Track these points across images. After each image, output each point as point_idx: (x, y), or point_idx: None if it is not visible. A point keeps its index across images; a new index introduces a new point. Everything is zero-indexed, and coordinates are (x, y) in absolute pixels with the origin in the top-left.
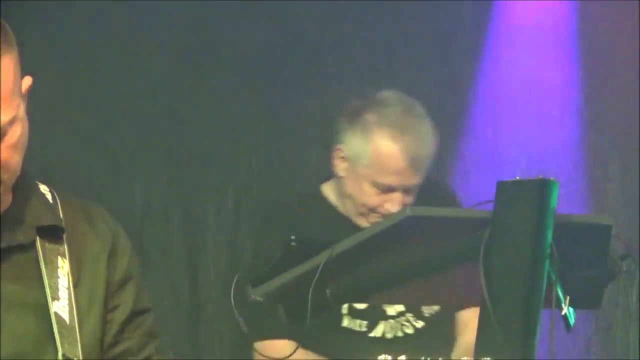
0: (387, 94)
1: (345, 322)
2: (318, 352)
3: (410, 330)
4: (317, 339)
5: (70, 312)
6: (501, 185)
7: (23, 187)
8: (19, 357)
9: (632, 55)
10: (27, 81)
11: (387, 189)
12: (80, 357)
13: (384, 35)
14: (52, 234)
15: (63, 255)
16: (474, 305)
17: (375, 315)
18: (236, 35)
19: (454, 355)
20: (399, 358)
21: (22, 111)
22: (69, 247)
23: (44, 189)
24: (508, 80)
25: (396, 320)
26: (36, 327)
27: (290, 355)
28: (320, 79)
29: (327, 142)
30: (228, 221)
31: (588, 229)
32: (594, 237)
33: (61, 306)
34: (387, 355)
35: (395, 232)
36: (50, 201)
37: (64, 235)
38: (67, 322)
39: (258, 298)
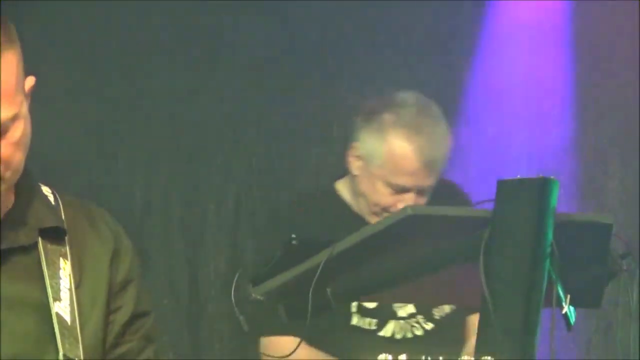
0: (404, 95)
1: (355, 320)
2: (326, 349)
3: (419, 332)
4: (326, 337)
5: (72, 312)
6: (501, 184)
7: (25, 189)
8: (20, 358)
9: (632, 54)
10: (30, 81)
11: (401, 190)
12: (82, 358)
13: (384, 34)
14: (54, 235)
15: (65, 257)
16: (474, 304)
17: (385, 315)
18: (236, 35)
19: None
20: (399, 357)
21: (25, 109)
22: (70, 248)
23: (46, 190)
24: (507, 80)
25: (406, 322)
26: (37, 327)
27: (293, 352)
28: (320, 78)
29: (327, 142)
30: (228, 221)
31: (588, 228)
32: (594, 236)
33: (62, 307)
34: (387, 355)
35: (396, 230)
36: (52, 203)
37: (66, 237)
38: (69, 322)
39: (259, 297)
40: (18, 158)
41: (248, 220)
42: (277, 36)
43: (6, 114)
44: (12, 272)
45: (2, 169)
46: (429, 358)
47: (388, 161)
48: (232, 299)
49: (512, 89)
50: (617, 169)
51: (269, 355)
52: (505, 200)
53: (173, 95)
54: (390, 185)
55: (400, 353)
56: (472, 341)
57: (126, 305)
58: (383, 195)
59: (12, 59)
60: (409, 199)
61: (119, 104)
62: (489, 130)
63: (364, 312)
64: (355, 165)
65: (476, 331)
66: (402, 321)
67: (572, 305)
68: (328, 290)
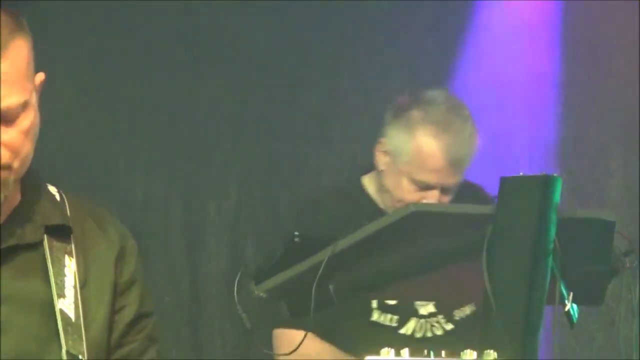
0: (434, 92)
1: (375, 316)
2: (344, 344)
3: (439, 332)
4: (345, 332)
5: (76, 310)
6: (504, 181)
7: (32, 186)
8: (24, 354)
9: (633, 50)
10: (40, 77)
11: (425, 187)
12: (85, 355)
13: (384, 32)
14: (60, 233)
15: (70, 254)
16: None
17: (406, 312)
18: (237, 34)
19: None
20: (401, 351)
21: (34, 99)
22: (76, 246)
23: (52, 189)
24: (508, 78)
25: (426, 320)
26: (41, 324)
27: (298, 346)
28: (321, 78)
29: (328, 141)
30: (229, 219)
31: (591, 225)
32: (597, 233)
33: (67, 304)
34: (389, 348)
35: (400, 227)
36: (58, 201)
37: (72, 235)
38: (73, 319)
39: (261, 294)
40: (27, 148)
41: (249, 218)
42: (278, 35)
43: (17, 99)
44: (17, 269)
45: (11, 157)
46: (432, 354)
47: (414, 158)
48: (235, 296)
49: (514, 85)
50: (619, 166)
51: (280, 348)
52: (507, 197)
53: (173, 95)
54: (415, 182)
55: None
56: None
57: (130, 306)
58: (407, 192)
59: (23, 46)
60: (433, 197)
61: (119, 103)
62: (489, 129)
63: (385, 309)
64: (381, 161)
65: None
66: (422, 320)
67: (575, 303)
68: (331, 287)
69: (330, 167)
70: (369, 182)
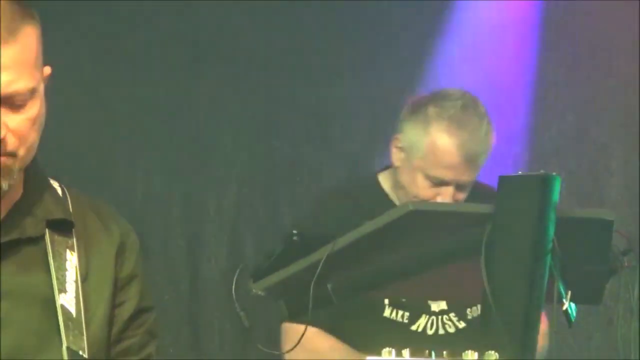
0: (451, 90)
1: (387, 312)
2: (355, 340)
3: (452, 330)
4: (356, 327)
5: (77, 304)
6: (503, 180)
7: (34, 180)
8: (24, 349)
9: (633, 50)
10: (47, 70)
11: (439, 183)
12: (86, 350)
13: (383, 30)
14: (62, 227)
15: (72, 249)
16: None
17: (418, 308)
18: (236, 30)
19: None
20: (402, 351)
21: (41, 88)
22: (77, 240)
23: (54, 183)
24: (506, 77)
25: (438, 317)
26: (42, 319)
27: (298, 342)
28: (321, 75)
29: (327, 138)
30: (229, 217)
31: (590, 224)
32: (595, 232)
33: (68, 299)
34: (391, 349)
35: (398, 226)
36: (60, 195)
37: (73, 229)
38: (74, 315)
39: (259, 292)
40: (33, 137)
41: (248, 218)
42: (277, 34)
43: (26, 84)
44: (18, 263)
45: (17, 144)
46: (433, 354)
47: (429, 153)
48: (233, 295)
49: (514, 83)
50: (619, 166)
51: (287, 343)
52: (506, 196)
53: (173, 94)
54: (429, 177)
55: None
56: None
57: (130, 301)
58: (422, 188)
59: (33, 34)
60: (447, 193)
61: (119, 102)
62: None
63: (397, 305)
64: (397, 157)
65: None
66: (433, 317)
67: (573, 302)
68: (329, 285)
69: (330, 167)
70: (384, 179)
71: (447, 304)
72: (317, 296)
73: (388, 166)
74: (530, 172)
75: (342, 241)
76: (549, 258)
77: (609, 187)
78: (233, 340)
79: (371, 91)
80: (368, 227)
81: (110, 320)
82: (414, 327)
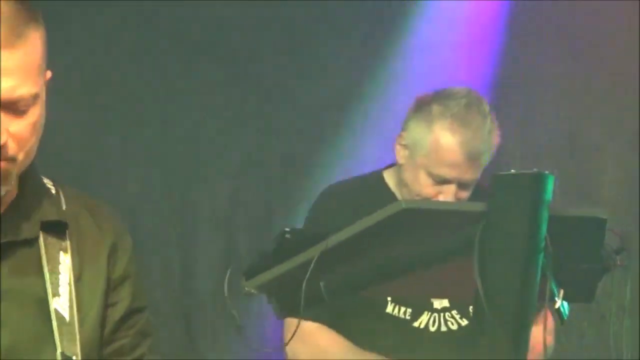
0: (456, 88)
1: (389, 309)
2: (358, 336)
3: (454, 327)
4: (358, 323)
5: (71, 308)
6: (496, 179)
7: (28, 180)
8: (17, 352)
9: (627, 48)
10: (49, 74)
11: (442, 181)
12: (79, 355)
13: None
14: (56, 228)
15: (65, 251)
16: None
17: (420, 305)
18: (231, 29)
19: None
20: None
21: (44, 94)
22: (71, 242)
23: (48, 182)
24: (503, 74)
25: (440, 315)
26: (36, 322)
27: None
28: (315, 71)
29: (320, 136)
30: (222, 214)
31: (583, 223)
32: (588, 230)
33: (61, 302)
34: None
35: (390, 224)
36: (54, 195)
37: (67, 231)
38: (67, 319)
39: (252, 290)
40: (33, 142)
41: (242, 215)
42: (272, 30)
43: (29, 90)
44: (12, 265)
45: (17, 149)
46: None
47: (432, 151)
48: (225, 292)
49: (509, 81)
50: (612, 164)
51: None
52: (499, 194)
53: (166, 90)
54: (432, 175)
55: (434, 345)
56: None
57: (122, 302)
58: (424, 186)
59: (38, 38)
60: (449, 192)
61: (112, 99)
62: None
63: (399, 301)
64: (400, 154)
65: None
66: (436, 314)
67: (565, 300)
68: (321, 283)
69: (324, 164)
70: (389, 176)
71: (450, 301)
72: (310, 294)
73: (394, 164)
74: (523, 171)
75: (335, 239)
76: (541, 256)
77: (602, 185)
78: (226, 337)
79: (364, 88)
80: (361, 224)
81: (103, 321)
82: (416, 324)
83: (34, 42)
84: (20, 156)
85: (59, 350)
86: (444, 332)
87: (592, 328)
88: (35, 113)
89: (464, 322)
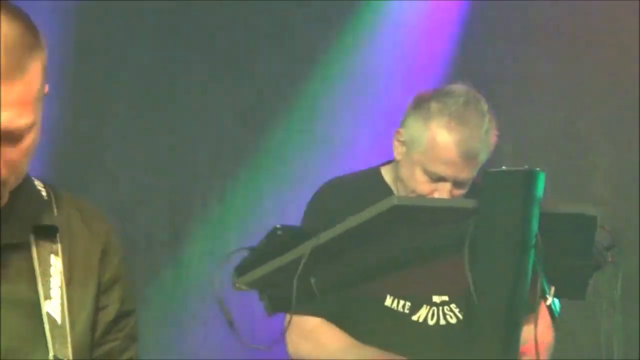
0: (455, 86)
1: (388, 302)
2: (358, 330)
3: (453, 321)
4: (357, 317)
5: (62, 311)
6: (487, 175)
7: (20, 184)
8: (10, 355)
9: (619, 46)
10: (46, 88)
11: (437, 178)
12: (70, 357)
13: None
14: (47, 232)
15: (56, 254)
16: (459, 294)
17: (419, 298)
18: (219, 23)
19: None
20: None
21: (40, 116)
22: (62, 245)
23: (38, 184)
24: (498, 72)
25: (439, 308)
26: (28, 326)
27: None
28: (306, 66)
29: (312, 134)
30: (214, 211)
31: (573, 220)
32: (579, 228)
33: (53, 305)
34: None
35: (382, 221)
36: (45, 198)
37: (58, 234)
38: (59, 322)
39: (243, 287)
40: (24, 164)
41: (233, 212)
42: (262, 28)
43: (26, 121)
44: (4, 269)
45: (8, 173)
46: None
47: (428, 149)
48: (217, 290)
49: (502, 81)
50: (604, 161)
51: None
52: (490, 191)
53: (158, 89)
54: (427, 172)
55: (433, 339)
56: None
57: (112, 305)
58: (420, 183)
59: (39, 66)
60: (444, 189)
61: (104, 98)
62: None
63: (397, 294)
64: (398, 150)
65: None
66: (435, 307)
67: (556, 297)
68: (312, 280)
69: (316, 161)
70: (387, 172)
71: (449, 295)
72: (301, 291)
73: (391, 160)
74: (514, 167)
75: (326, 235)
76: (532, 253)
77: (594, 183)
78: (217, 334)
79: (356, 84)
80: (352, 221)
81: (94, 324)
82: (414, 317)
83: (34, 72)
84: (12, 180)
85: (51, 354)
86: (442, 326)
87: (583, 325)
88: (30, 138)
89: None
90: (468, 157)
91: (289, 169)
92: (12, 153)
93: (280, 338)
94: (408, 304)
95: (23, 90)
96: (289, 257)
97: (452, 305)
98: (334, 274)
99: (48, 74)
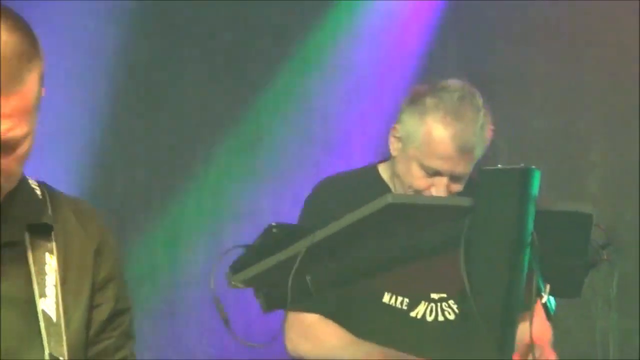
0: (450, 81)
1: (386, 298)
2: (356, 326)
3: (451, 317)
4: (356, 313)
5: (57, 309)
6: (483, 173)
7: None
8: (6, 353)
9: (612, 44)
10: (42, 92)
11: (433, 173)
12: (66, 356)
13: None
14: (41, 230)
15: (51, 252)
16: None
17: (417, 294)
18: (215, 17)
19: None
20: None
21: (36, 123)
22: (57, 243)
23: (33, 183)
24: (493, 71)
25: (437, 304)
26: (23, 324)
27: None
28: (302, 64)
29: (306, 129)
30: (208, 208)
31: (569, 218)
32: (574, 226)
33: (48, 303)
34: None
35: (377, 219)
36: (40, 197)
37: (53, 232)
38: (54, 320)
39: (238, 284)
40: (19, 171)
41: (228, 209)
42: (255, 22)
43: (22, 131)
44: (1, 267)
45: (2, 180)
46: None
47: (423, 143)
48: (212, 287)
49: (501, 81)
50: (600, 160)
51: (290, 330)
52: (486, 189)
53: (153, 85)
54: (424, 167)
55: (431, 335)
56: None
57: (107, 303)
58: (416, 178)
59: (36, 77)
60: (441, 184)
61: (99, 94)
62: None
63: (395, 290)
64: (394, 146)
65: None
66: (433, 304)
67: (552, 295)
68: (308, 278)
69: (310, 158)
70: (383, 169)
71: (446, 293)
72: (296, 289)
73: (388, 157)
74: (510, 166)
75: (322, 233)
76: (528, 251)
77: (590, 181)
78: (212, 331)
79: (349, 82)
80: (347, 219)
81: (88, 323)
82: (413, 314)
83: (32, 82)
84: (6, 186)
85: (46, 351)
86: (441, 322)
87: (578, 324)
88: (25, 146)
89: None
90: (464, 151)
91: (284, 166)
92: (6, 161)
93: (277, 336)
94: (406, 300)
95: (21, 101)
96: (284, 254)
97: (451, 302)
98: (330, 271)
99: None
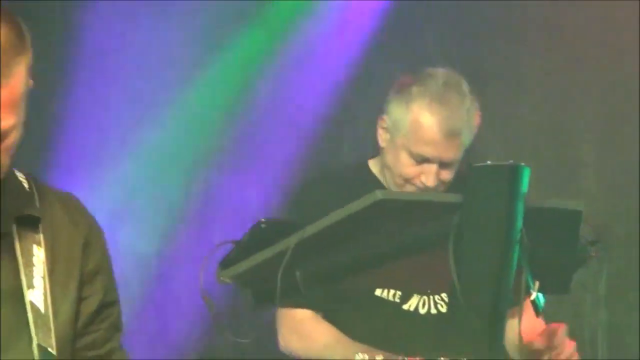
0: (435, 69)
1: (378, 291)
2: (348, 321)
3: (444, 309)
4: (349, 307)
5: (45, 300)
6: (473, 170)
7: (2, 175)
8: None
9: (606, 41)
10: (30, 82)
11: (422, 160)
12: (54, 346)
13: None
14: (29, 222)
15: (39, 244)
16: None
17: (409, 287)
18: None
19: None
20: (376, 357)
21: (22, 114)
22: (44, 235)
23: (20, 176)
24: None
25: (430, 297)
26: (11, 315)
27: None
28: (292, 62)
29: (297, 124)
30: (197, 202)
31: (558, 215)
32: (564, 222)
33: (36, 295)
34: (364, 355)
35: (366, 215)
36: (27, 189)
37: (40, 224)
38: (42, 311)
39: (227, 280)
40: (6, 162)
41: (217, 203)
42: (250, 20)
43: (9, 122)
44: None
45: None
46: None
47: (411, 131)
48: (200, 282)
49: (500, 80)
50: (591, 155)
51: (282, 327)
52: (476, 185)
53: (146, 81)
54: (412, 155)
55: (424, 328)
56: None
57: (95, 295)
58: (406, 167)
59: (22, 69)
60: (430, 171)
61: (92, 90)
62: None
63: (385, 286)
64: (382, 138)
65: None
66: (425, 296)
67: (541, 291)
68: (297, 274)
69: (301, 153)
70: (374, 164)
71: (437, 288)
72: (285, 285)
73: (378, 153)
74: (500, 162)
75: (311, 229)
76: (517, 248)
77: (581, 178)
78: (201, 326)
79: (340, 80)
80: (337, 215)
81: (76, 315)
82: (405, 307)
83: (19, 75)
84: None
85: (35, 342)
86: (434, 315)
87: (567, 321)
88: (13, 136)
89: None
90: (451, 136)
91: (274, 160)
92: None
93: (264, 332)
94: (399, 293)
95: (9, 93)
96: (273, 250)
97: (443, 295)
98: (320, 267)
99: (34, 69)
